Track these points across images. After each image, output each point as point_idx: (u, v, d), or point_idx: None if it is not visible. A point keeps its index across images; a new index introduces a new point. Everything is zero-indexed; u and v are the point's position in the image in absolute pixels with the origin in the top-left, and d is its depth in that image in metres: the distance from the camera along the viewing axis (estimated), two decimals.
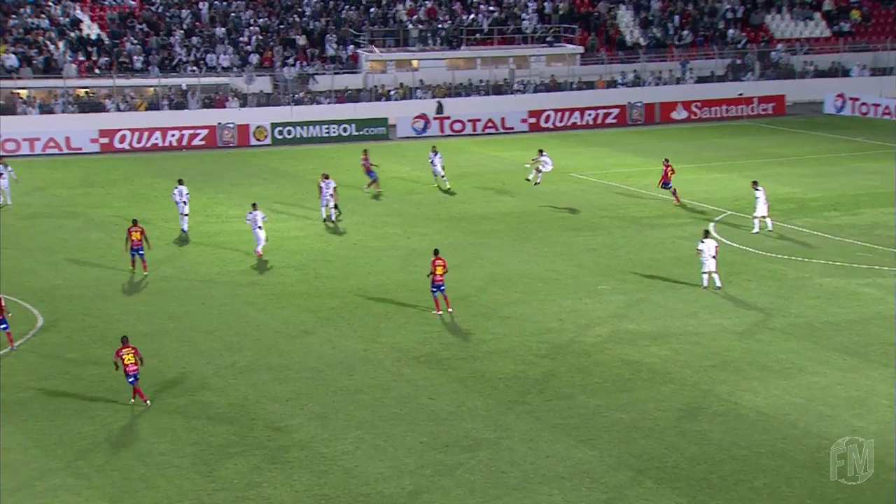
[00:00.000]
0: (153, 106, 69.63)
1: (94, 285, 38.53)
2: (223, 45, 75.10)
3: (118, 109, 68.72)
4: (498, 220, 47.69)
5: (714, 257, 37.01)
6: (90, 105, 68.93)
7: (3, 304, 32.28)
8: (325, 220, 46.99)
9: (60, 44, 72.10)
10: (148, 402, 28.07)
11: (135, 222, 40.14)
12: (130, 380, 27.85)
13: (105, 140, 65.74)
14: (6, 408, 27.99)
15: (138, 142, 66.17)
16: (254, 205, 42.19)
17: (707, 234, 38.12)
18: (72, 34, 73.23)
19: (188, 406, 28.08)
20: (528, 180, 52.81)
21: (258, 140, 68.25)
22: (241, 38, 76.12)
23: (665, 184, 49.87)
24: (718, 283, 37.10)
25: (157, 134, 66.58)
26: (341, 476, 24.42)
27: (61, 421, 27.14)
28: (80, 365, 30.59)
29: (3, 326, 32.15)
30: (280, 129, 68.69)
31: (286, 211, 48.56)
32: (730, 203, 49.64)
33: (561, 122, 73.46)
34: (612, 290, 37.52)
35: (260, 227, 41.27)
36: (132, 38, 73.94)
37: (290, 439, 26.22)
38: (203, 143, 67.25)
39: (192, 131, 67.26)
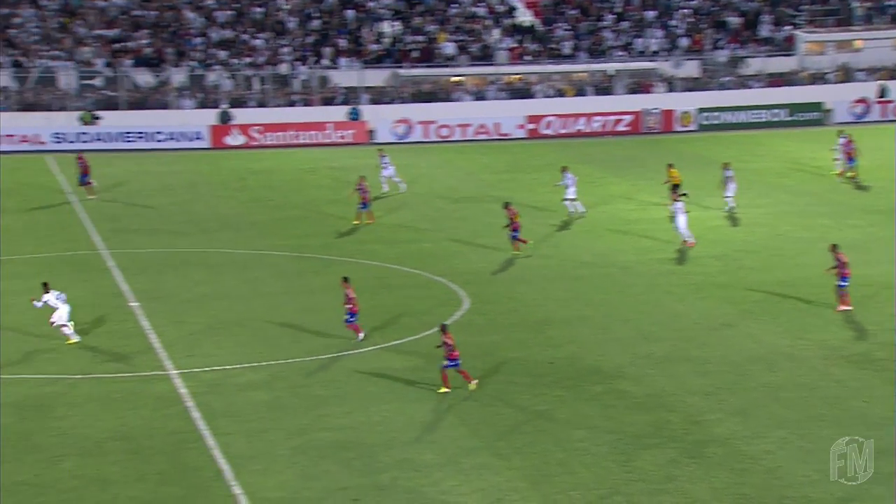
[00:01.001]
0: (580, 92, 70.33)
1: (517, 269, 39.20)
2: (652, 29, 74.65)
3: (545, 95, 69.94)
4: None
5: None
6: (519, 91, 70.63)
7: (354, 299, 31.45)
8: (730, 210, 45.37)
9: (495, 31, 74.33)
10: (473, 382, 27.92)
11: (507, 205, 40.59)
12: (452, 363, 27.75)
13: (532, 126, 67.13)
14: (435, 386, 28.71)
15: (563, 127, 67.07)
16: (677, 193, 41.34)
17: None
18: (506, 21, 75.34)
19: (605, 394, 27.89)
20: None
21: (683, 126, 67.35)
22: (671, 22, 75.36)
23: None
24: None
25: (582, 120, 67.19)
26: (763, 476, 23.39)
27: (486, 401, 27.63)
28: (502, 347, 31.13)
29: (351, 318, 31.59)
30: (707, 114, 67.48)
31: (708, 200, 47.27)
32: None
33: None
34: None
35: (682, 215, 40.46)
36: (563, 24, 75.03)
37: (709, 434, 25.43)
38: (627, 128, 67.16)
39: (616, 117, 67.39)
